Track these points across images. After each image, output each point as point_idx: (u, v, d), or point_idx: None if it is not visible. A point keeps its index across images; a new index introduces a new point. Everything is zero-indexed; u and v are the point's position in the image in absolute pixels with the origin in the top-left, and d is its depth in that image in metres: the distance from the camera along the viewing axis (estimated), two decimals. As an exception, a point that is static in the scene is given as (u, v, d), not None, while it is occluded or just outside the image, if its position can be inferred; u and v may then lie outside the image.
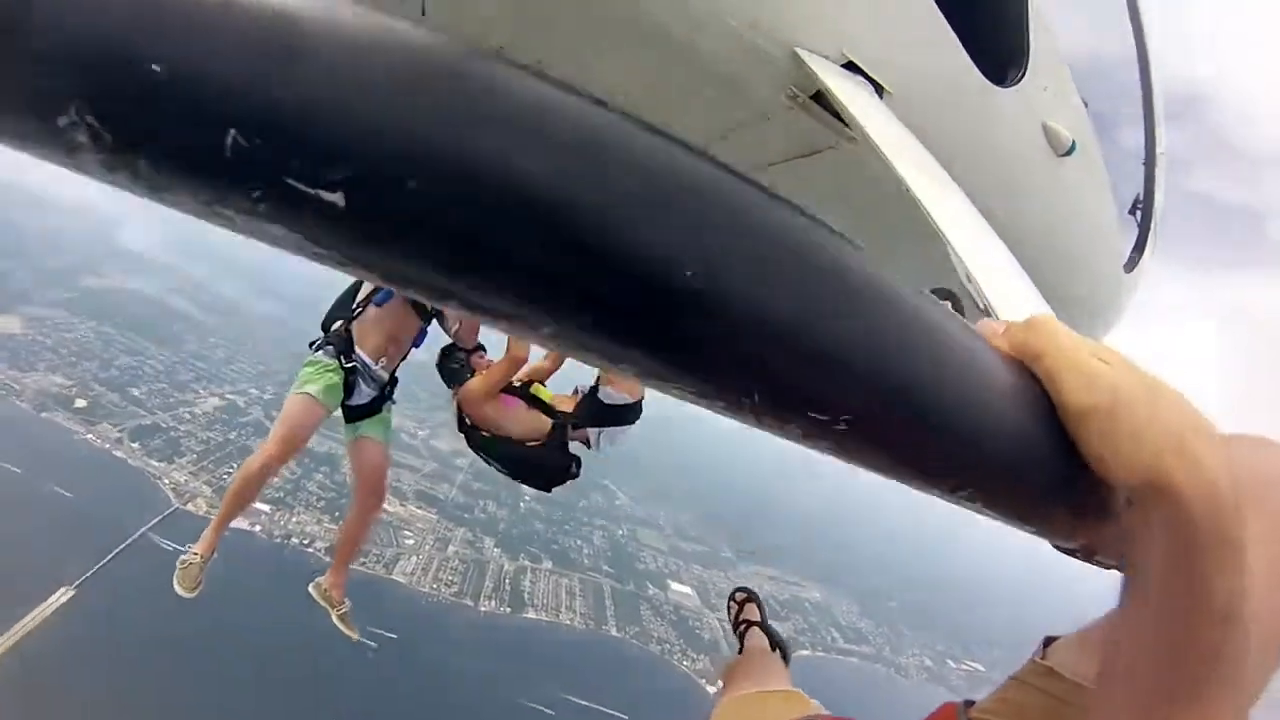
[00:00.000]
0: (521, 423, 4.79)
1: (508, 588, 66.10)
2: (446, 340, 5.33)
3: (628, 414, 4.87)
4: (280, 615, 36.65)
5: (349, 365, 5.20)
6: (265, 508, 59.70)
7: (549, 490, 5.10)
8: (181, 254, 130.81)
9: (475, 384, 4.88)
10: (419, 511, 70.57)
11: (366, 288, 5.31)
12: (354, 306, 5.31)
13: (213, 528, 5.45)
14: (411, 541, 65.03)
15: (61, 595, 42.68)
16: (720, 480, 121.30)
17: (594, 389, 4.85)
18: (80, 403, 63.23)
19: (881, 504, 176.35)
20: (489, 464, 4.98)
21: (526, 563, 71.36)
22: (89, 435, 59.76)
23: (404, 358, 5.53)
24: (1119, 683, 0.69)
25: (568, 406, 4.85)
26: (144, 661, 41.42)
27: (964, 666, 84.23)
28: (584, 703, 53.92)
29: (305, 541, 56.33)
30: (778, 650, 3.71)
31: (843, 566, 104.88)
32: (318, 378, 5.12)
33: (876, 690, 73.09)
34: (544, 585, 69.07)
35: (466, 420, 4.94)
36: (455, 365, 5.13)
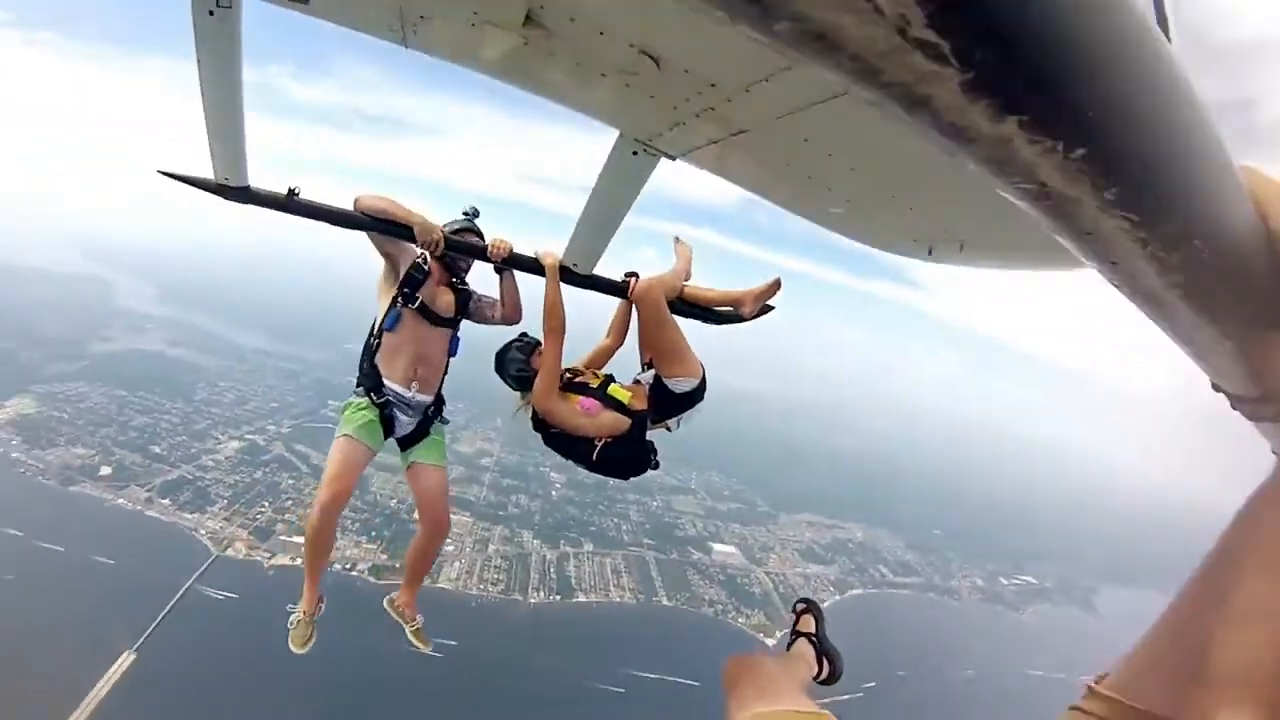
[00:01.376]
0: (601, 425, 4.88)
1: (553, 576, 66.52)
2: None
3: (695, 397, 4.99)
4: (339, 641, 36.47)
5: (380, 400, 5.20)
6: (300, 539, 59.08)
7: (627, 479, 5.18)
8: (177, 305, 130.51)
9: (539, 384, 4.93)
10: (454, 517, 70.98)
11: (377, 319, 5.23)
12: (371, 339, 5.27)
13: (307, 584, 5.74)
14: (451, 548, 65.18)
15: (124, 660, 43.14)
16: (744, 436, 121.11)
17: (658, 380, 4.94)
18: (105, 469, 63.49)
19: (913, 440, 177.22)
20: (567, 460, 5.11)
21: (568, 549, 71.73)
22: (119, 500, 60.00)
23: (445, 371, 5.51)
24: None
25: (640, 403, 4.96)
26: (215, 706, 41.96)
27: (1016, 581, 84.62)
28: (652, 676, 54.33)
29: (348, 566, 56.43)
30: (825, 666, 3.70)
31: (881, 503, 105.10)
32: (353, 418, 5.19)
33: (933, 617, 73.67)
34: (588, 568, 69.37)
35: (543, 422, 5.03)
36: (517, 371, 5.10)
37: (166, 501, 61.48)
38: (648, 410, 4.95)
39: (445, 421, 5.61)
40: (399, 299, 5.10)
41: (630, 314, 5.30)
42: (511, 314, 5.38)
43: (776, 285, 5.22)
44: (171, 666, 43.84)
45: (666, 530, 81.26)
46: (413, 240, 4.61)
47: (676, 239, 5.41)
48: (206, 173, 4.10)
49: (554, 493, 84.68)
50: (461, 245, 4.84)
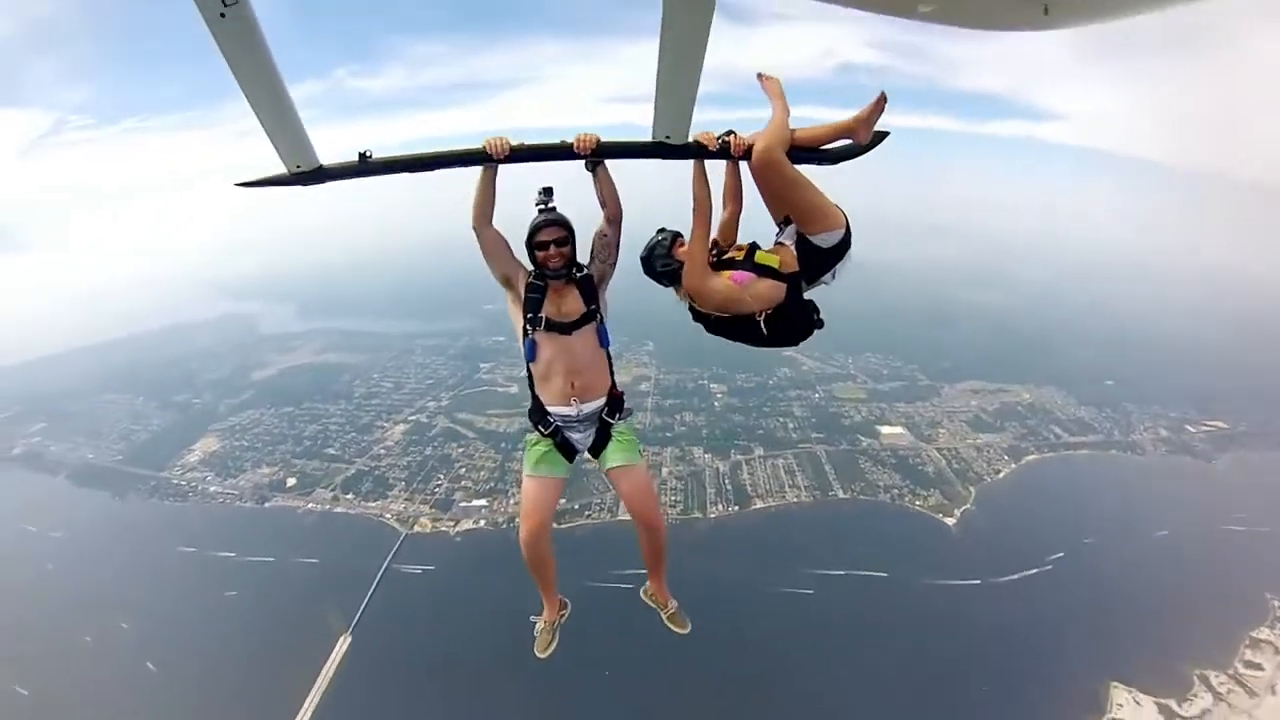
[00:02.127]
0: (759, 296, 4.86)
1: (729, 487, 68.45)
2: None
3: (844, 247, 4.88)
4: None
5: (548, 432, 5.35)
6: (482, 502, 65.20)
7: (797, 344, 5.16)
8: (316, 316, 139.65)
9: (690, 270, 5.02)
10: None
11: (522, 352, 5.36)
12: (527, 370, 5.40)
13: (545, 598, 5.94)
14: (627, 479, 69.64)
15: (343, 644, 48.53)
16: (891, 311, 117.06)
17: (803, 239, 4.86)
18: (291, 481, 70.11)
19: (1068, 285, 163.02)
20: (733, 340, 5.17)
21: (739, 457, 73.45)
22: (310, 505, 66.13)
23: (610, 366, 5.52)
24: None
25: (791, 264, 4.88)
26: (430, 668, 46.55)
27: (1205, 427, 78.62)
28: (839, 573, 55.53)
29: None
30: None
31: (1045, 359, 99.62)
32: (531, 454, 5.40)
33: (1118, 476, 70.50)
34: (762, 473, 71.00)
35: (700, 311, 5.13)
36: (663, 267, 5.26)
37: (350, 496, 66.97)
38: (800, 271, 4.88)
39: (628, 415, 5.59)
40: (526, 327, 5.16)
41: (739, 175, 5.27)
42: (615, 212, 5.21)
43: (882, 101, 4.89)
44: (385, 640, 48.58)
45: (832, 421, 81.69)
46: (488, 160, 4.68)
47: (760, 75, 5.01)
48: (278, 169, 4.27)
49: (716, 404, 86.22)
50: (537, 150, 4.76)
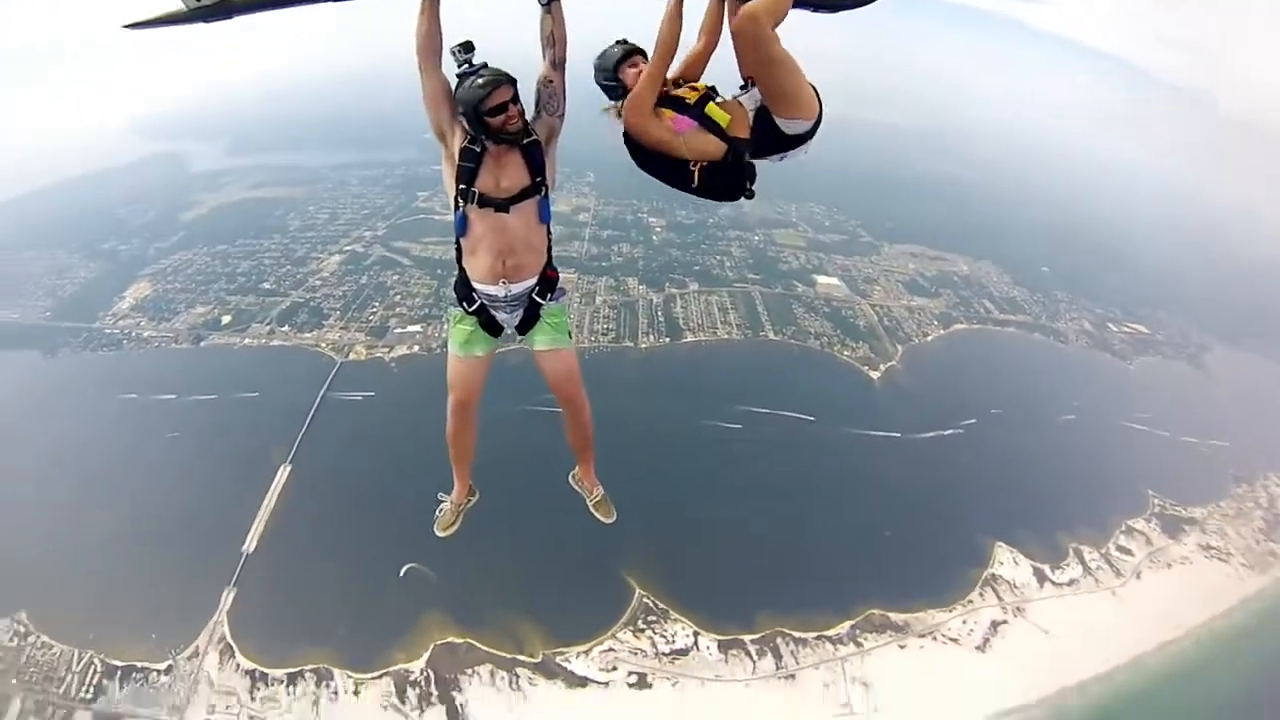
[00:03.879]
0: (696, 149, 4.56)
1: (661, 319, 68.58)
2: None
3: (806, 138, 4.57)
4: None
5: (472, 309, 5.08)
6: (416, 328, 65.52)
7: (721, 202, 4.95)
8: (248, 151, 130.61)
9: (631, 105, 4.54)
10: (559, 274, 73.76)
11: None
12: (456, 242, 4.99)
13: (456, 477, 5.88)
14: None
15: (283, 474, 48.25)
16: (845, 167, 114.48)
17: (767, 115, 4.48)
18: (225, 318, 68.03)
19: (1026, 173, 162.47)
20: (659, 180, 4.84)
21: (673, 290, 73.14)
22: (246, 340, 64.63)
23: (549, 241, 5.17)
24: None
25: (741, 129, 4.55)
26: (371, 491, 46.66)
27: (1126, 329, 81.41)
28: (766, 410, 56.63)
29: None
30: None
31: (989, 236, 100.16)
32: (456, 333, 5.22)
33: (1038, 358, 73.02)
34: (695, 307, 71.06)
35: (633, 140, 4.69)
36: (604, 82, 4.80)
37: (286, 329, 65.85)
38: (749, 140, 4.57)
39: (560, 297, 5.36)
40: (458, 199, 4.72)
41: (723, 13, 4.78)
42: (562, 54, 4.71)
43: None
44: (324, 466, 48.57)
45: (770, 264, 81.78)
46: None
47: None
48: (175, 6, 3.85)
49: (654, 238, 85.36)
50: None
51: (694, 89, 4.73)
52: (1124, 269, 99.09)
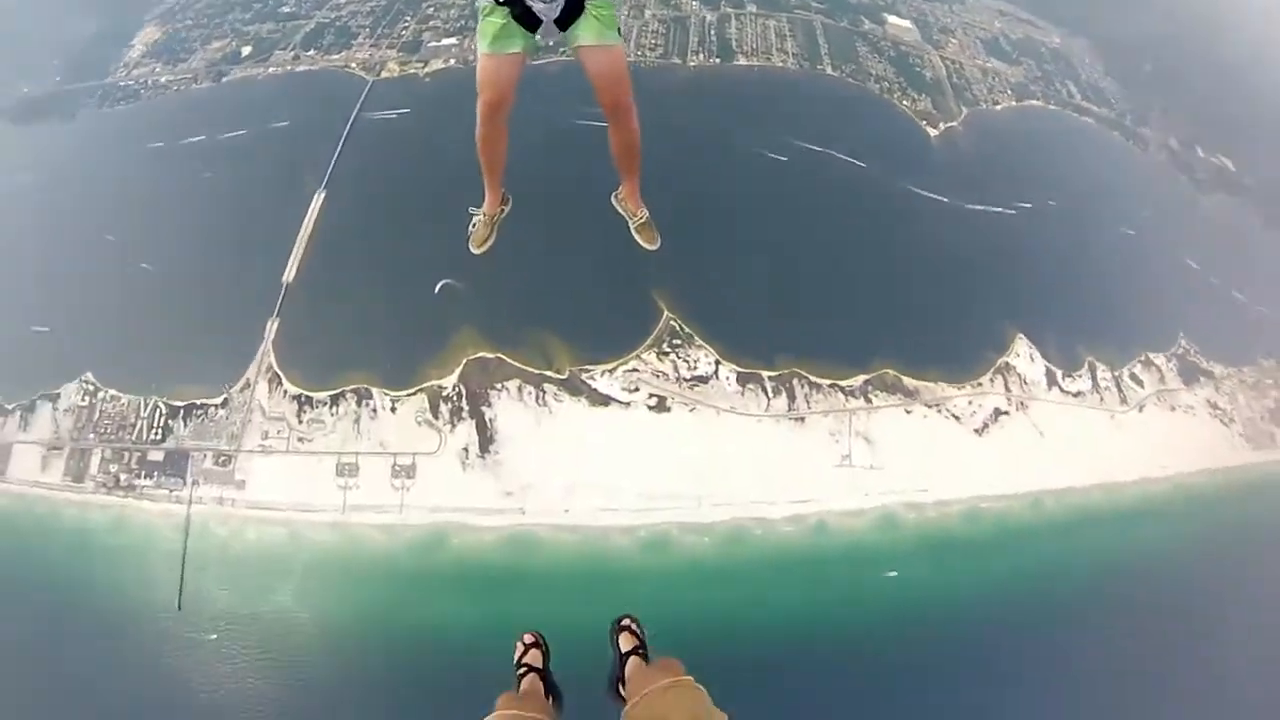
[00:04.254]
0: None
1: (713, 39, 61.96)
2: None
3: None
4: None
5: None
6: (452, 40, 60.37)
7: None
8: None
9: None
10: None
11: None
12: None
13: (488, 187, 5.69)
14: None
15: (318, 199, 46.18)
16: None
17: None
18: (246, 50, 62.12)
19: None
20: None
21: (729, 9, 65.30)
22: (271, 69, 59.52)
23: None
24: None
25: None
26: (412, 213, 44.73)
27: (1214, 159, 73.31)
28: (815, 147, 52.94)
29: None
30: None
31: (1090, 11, 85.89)
32: (485, 27, 4.71)
33: (1113, 160, 67.10)
34: (751, 30, 63.77)
35: None
36: None
37: (312, 53, 60.31)
38: None
39: None
40: None
41: None
42: None
43: None
44: (359, 187, 46.79)
45: None
46: None
47: None
48: None
49: None
50: None
51: None
52: (1233, 100, 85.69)
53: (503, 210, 5.80)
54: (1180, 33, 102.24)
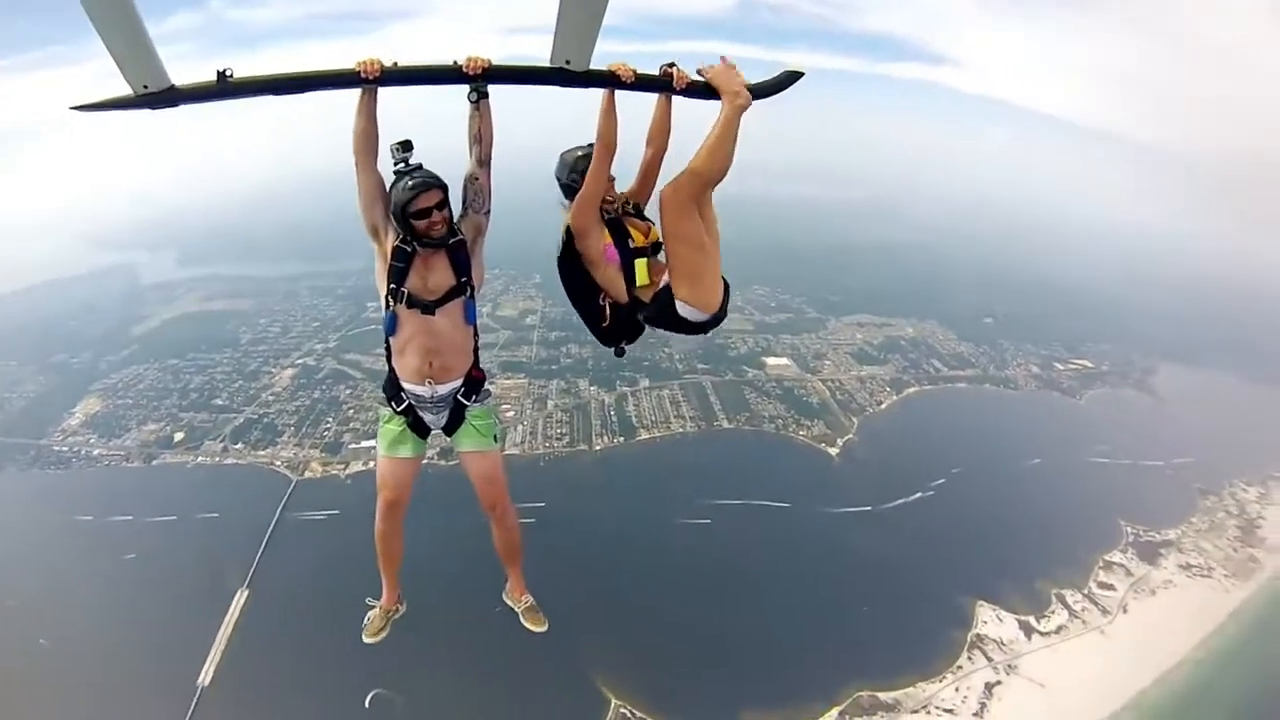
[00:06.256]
0: (606, 281, 4.68)
1: (614, 419, 67.62)
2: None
3: (700, 329, 4.53)
4: (438, 522, 36.22)
5: (400, 409, 5.09)
6: (371, 443, 61.93)
7: (604, 344, 4.99)
8: (199, 263, 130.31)
9: (578, 207, 4.59)
10: (509, 382, 72.37)
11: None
12: (386, 341, 5.01)
13: (385, 584, 5.88)
14: (512, 413, 66.49)
15: (241, 597, 46.16)
16: (784, 245, 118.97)
17: (669, 291, 4.39)
18: (178, 435, 65.81)
19: (959, 228, 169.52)
20: (568, 294, 4.96)
21: (624, 389, 72.37)
22: (200, 459, 62.51)
23: (475, 342, 5.15)
24: None
25: (648, 294, 4.56)
26: (330, 614, 43.03)
27: (1072, 366, 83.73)
28: (735, 502, 55.20)
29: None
30: None
31: (930, 296, 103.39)
32: (385, 434, 5.19)
33: (993, 408, 73.87)
34: (647, 404, 70.19)
35: (572, 245, 4.75)
36: (568, 180, 4.79)
37: (240, 446, 63.98)
38: (648, 306, 4.57)
39: (485, 398, 5.25)
40: (388, 298, 4.79)
41: (669, 114, 4.73)
42: (489, 152, 4.71)
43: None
44: (283, 589, 46.45)
45: (718, 352, 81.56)
46: (360, 83, 4.06)
47: (701, 70, 4.45)
48: (123, 91, 3.75)
49: None
50: (414, 72, 4.09)
51: (647, 233, 4.76)
52: (1061, 308, 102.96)
53: (398, 610, 5.89)
54: (999, 268, 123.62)
